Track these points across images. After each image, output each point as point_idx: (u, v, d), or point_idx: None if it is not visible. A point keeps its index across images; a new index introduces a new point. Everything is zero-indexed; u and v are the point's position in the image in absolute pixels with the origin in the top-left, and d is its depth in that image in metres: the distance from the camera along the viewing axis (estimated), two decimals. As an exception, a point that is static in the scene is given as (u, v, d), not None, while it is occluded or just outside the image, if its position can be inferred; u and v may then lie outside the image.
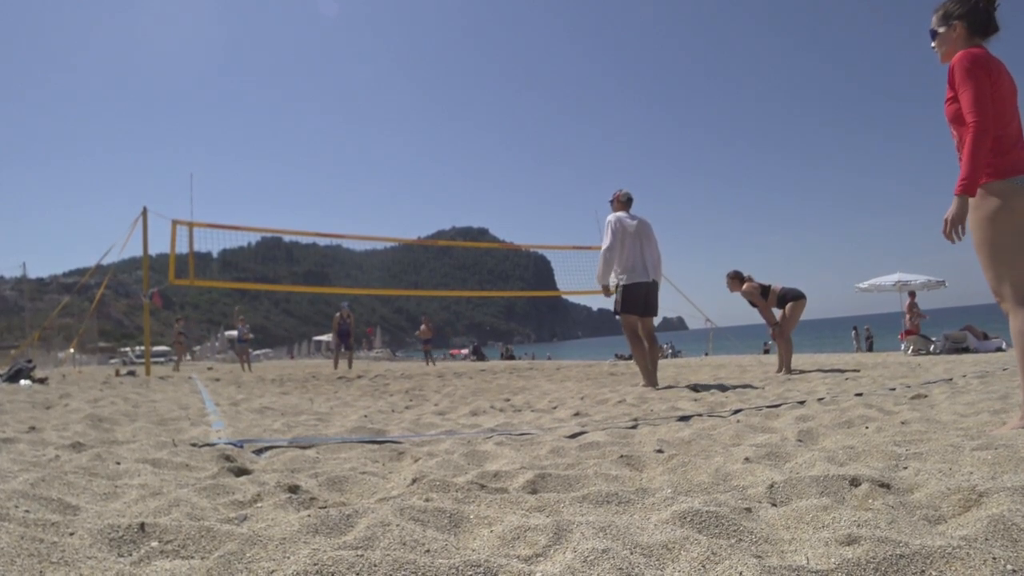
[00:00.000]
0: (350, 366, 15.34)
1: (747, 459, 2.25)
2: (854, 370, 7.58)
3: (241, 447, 2.88)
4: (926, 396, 4.21)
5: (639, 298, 5.81)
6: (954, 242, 2.59)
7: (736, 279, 7.86)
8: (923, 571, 1.15)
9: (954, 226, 2.55)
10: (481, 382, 8.20)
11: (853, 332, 29.51)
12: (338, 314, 15.86)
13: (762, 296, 7.67)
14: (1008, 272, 2.56)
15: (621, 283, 5.82)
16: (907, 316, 15.56)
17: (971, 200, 2.56)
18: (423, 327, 20.65)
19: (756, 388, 5.63)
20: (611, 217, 5.92)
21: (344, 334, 15.80)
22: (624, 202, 6.06)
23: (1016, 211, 2.55)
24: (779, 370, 7.64)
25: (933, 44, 2.80)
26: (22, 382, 8.60)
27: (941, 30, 2.75)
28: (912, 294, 16.01)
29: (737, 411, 3.86)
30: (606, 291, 6.06)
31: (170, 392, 7.03)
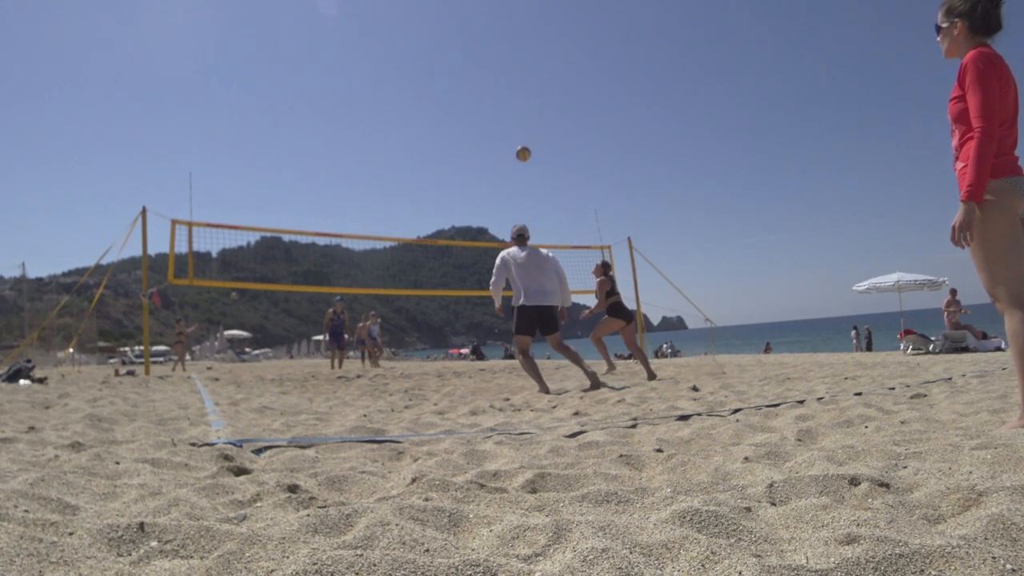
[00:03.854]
0: (340, 365, 14.58)
1: (746, 458, 2.25)
2: (854, 369, 7.58)
3: (240, 447, 2.88)
4: (925, 395, 4.21)
5: (532, 320, 6.37)
6: (963, 248, 2.59)
7: (601, 268, 8.71)
8: (922, 570, 1.15)
9: (962, 232, 2.55)
10: (480, 381, 8.20)
11: (853, 332, 29.53)
12: (330, 310, 15.10)
13: (607, 294, 8.48)
14: (1002, 272, 2.56)
15: (516, 305, 6.45)
16: (945, 313, 15.10)
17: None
18: (361, 324, 18.48)
19: (755, 387, 5.63)
20: (500, 254, 6.55)
21: (337, 332, 14.99)
22: (515, 238, 6.64)
23: (1009, 210, 2.56)
24: (607, 371, 8.97)
25: (938, 38, 2.81)
26: (21, 382, 8.59)
27: (944, 25, 2.75)
28: (953, 291, 15.49)
29: (736, 410, 3.86)
30: (499, 311, 6.90)
31: (169, 392, 7.03)
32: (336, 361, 14.89)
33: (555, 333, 6.47)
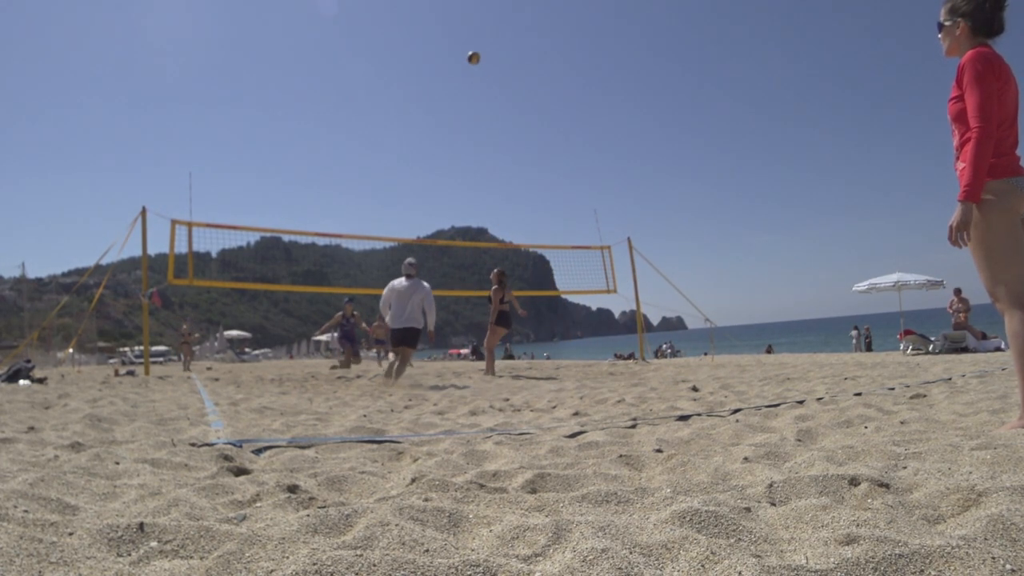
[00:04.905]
0: (350, 365, 13.75)
1: (746, 459, 2.25)
2: (853, 369, 7.58)
3: (240, 447, 2.88)
4: (925, 396, 4.21)
5: (396, 335, 8.42)
6: (960, 247, 2.60)
7: (497, 277, 10.32)
8: (922, 571, 1.15)
9: (959, 232, 2.56)
10: (480, 382, 8.20)
11: (853, 332, 29.52)
12: (339, 313, 14.23)
13: (497, 301, 10.22)
14: (1003, 272, 2.56)
15: (390, 324, 8.49)
16: (951, 312, 14.49)
17: None
18: (377, 323, 17.67)
19: (755, 387, 5.63)
20: (390, 283, 8.54)
21: (349, 336, 14.02)
22: (404, 271, 8.56)
23: (1010, 211, 2.56)
24: (486, 372, 9.93)
25: (939, 36, 2.80)
26: (21, 382, 8.59)
27: (947, 24, 2.75)
28: (957, 290, 14.88)
29: (736, 411, 3.86)
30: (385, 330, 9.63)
31: (169, 392, 7.03)
32: (349, 360, 13.82)
33: (410, 348, 8.42)
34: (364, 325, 15.87)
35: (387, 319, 8.44)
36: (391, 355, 17.17)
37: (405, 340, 8.35)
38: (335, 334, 14.89)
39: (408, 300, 8.30)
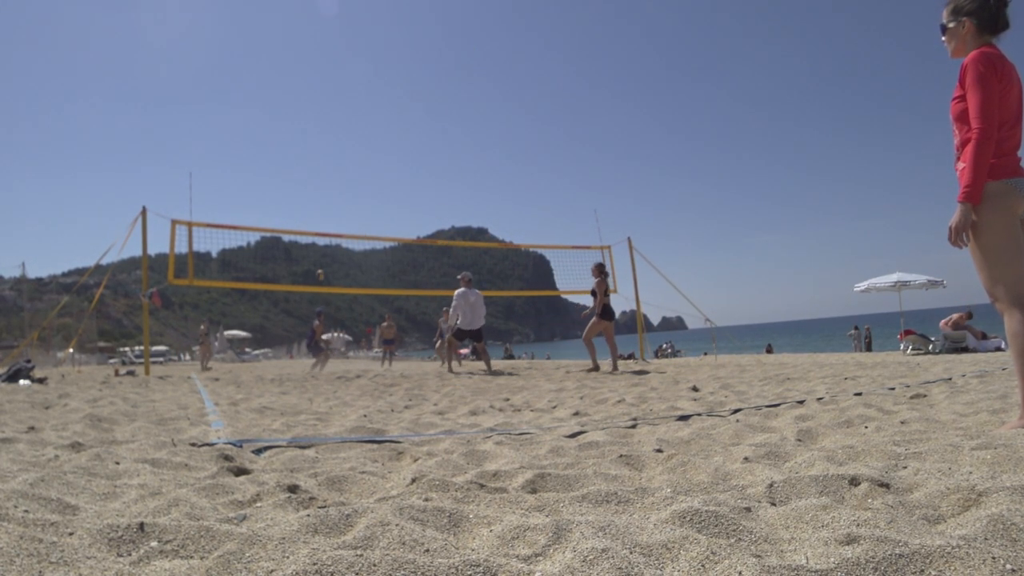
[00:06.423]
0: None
1: (746, 458, 2.25)
2: (853, 369, 7.58)
3: (240, 447, 2.88)
4: (925, 396, 4.21)
5: (467, 335, 10.67)
6: (960, 248, 2.61)
7: (598, 270, 9.90)
8: (922, 570, 1.15)
9: (959, 233, 2.57)
10: (480, 381, 8.20)
11: (852, 331, 29.50)
12: (316, 322, 14.67)
13: (602, 294, 9.77)
14: (1002, 273, 2.57)
15: (459, 325, 10.58)
16: (947, 322, 13.91)
17: None
18: (385, 324, 18.88)
19: (755, 387, 5.63)
20: (459, 291, 10.56)
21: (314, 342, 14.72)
22: (467, 282, 10.66)
23: (1009, 212, 2.56)
24: (612, 368, 9.49)
25: (943, 38, 2.80)
26: (21, 382, 8.59)
27: (951, 25, 2.74)
28: (969, 314, 13.92)
29: (736, 411, 3.86)
30: (451, 329, 10.78)
31: (169, 392, 7.03)
32: (324, 362, 14.43)
33: (481, 341, 10.92)
34: (331, 324, 15.62)
35: (460, 322, 10.47)
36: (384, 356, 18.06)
37: (479, 335, 10.83)
38: (336, 333, 15.00)
39: (481, 307, 10.71)
